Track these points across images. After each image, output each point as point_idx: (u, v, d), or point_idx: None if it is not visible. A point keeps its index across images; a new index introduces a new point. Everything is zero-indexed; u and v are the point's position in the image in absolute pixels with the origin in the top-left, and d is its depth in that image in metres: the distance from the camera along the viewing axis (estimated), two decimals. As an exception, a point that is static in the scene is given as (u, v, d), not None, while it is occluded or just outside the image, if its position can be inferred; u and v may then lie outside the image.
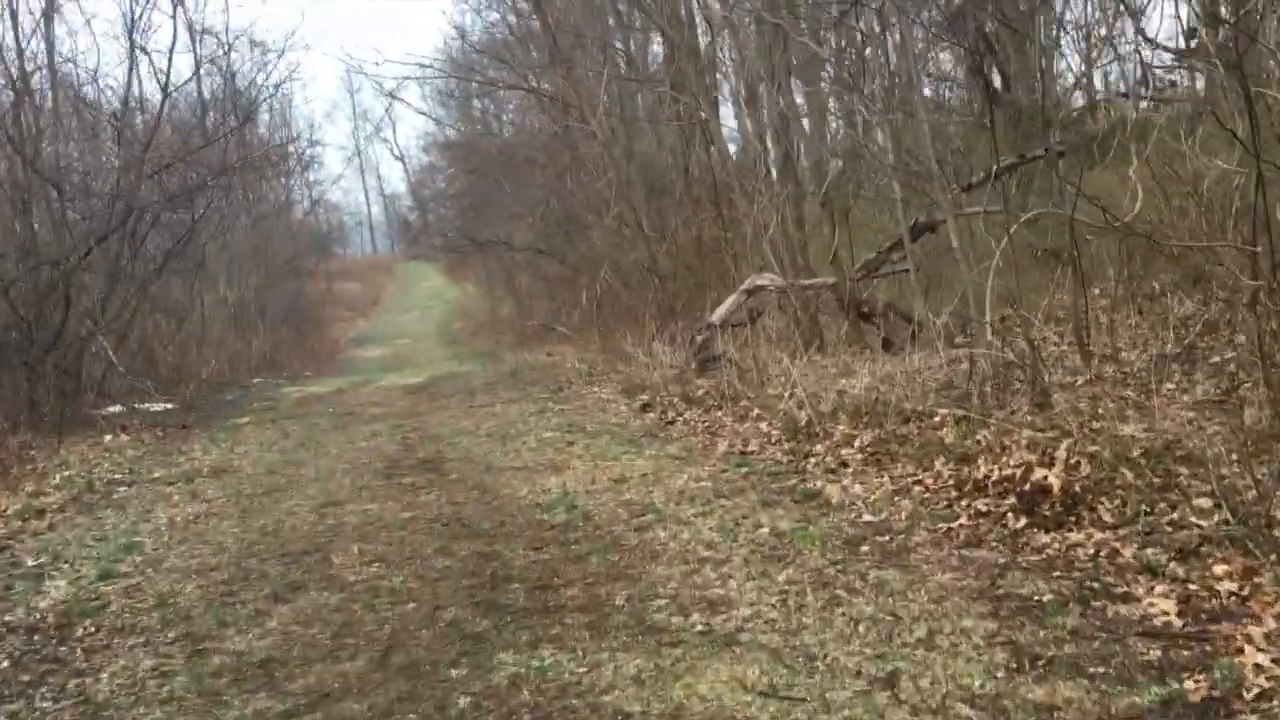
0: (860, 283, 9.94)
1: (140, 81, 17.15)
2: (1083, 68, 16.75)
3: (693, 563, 5.01)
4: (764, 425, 7.85)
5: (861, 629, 3.94)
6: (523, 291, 33.50)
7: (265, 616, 4.90)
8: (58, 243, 13.26)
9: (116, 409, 14.57)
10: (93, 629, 4.98)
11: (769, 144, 10.88)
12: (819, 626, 4.01)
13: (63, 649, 4.74)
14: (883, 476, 6.22)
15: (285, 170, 34.10)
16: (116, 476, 9.41)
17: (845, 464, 6.60)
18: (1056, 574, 4.29)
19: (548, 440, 8.80)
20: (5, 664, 4.61)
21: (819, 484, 6.32)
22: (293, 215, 39.84)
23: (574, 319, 22.04)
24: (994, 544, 4.77)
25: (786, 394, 8.37)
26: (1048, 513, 4.86)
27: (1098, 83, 16.75)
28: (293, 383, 20.13)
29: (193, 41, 21.22)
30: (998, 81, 15.28)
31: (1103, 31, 16.48)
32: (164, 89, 16.15)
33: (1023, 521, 4.88)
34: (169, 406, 15.56)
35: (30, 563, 6.49)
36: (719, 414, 8.62)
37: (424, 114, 37.57)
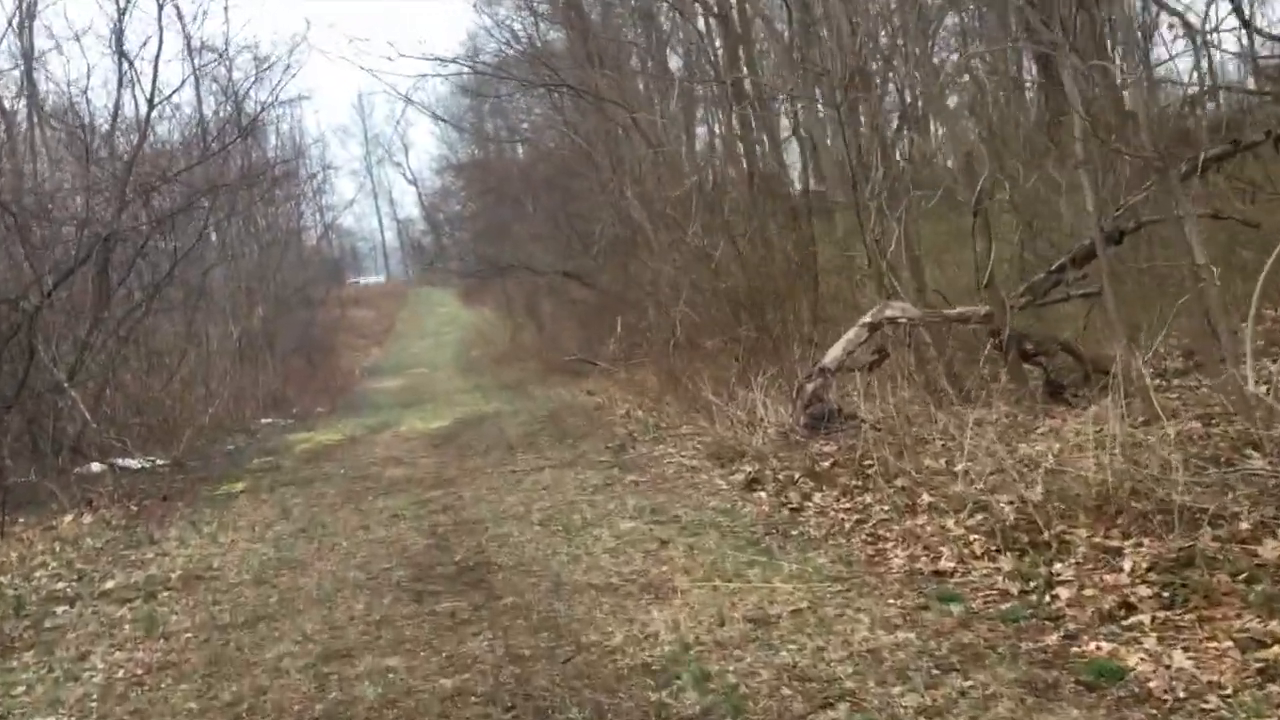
0: (1020, 313, 7.54)
1: (136, 102, 14.88)
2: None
3: None
4: (949, 522, 5.43)
5: None
6: (545, 318, 31.17)
7: None
8: (15, 279, 10.95)
9: (96, 468, 12.27)
10: None
11: (872, 143, 8.52)
12: None
13: None
14: (1215, 637, 3.81)
15: (295, 194, 31.88)
16: (59, 587, 7.02)
17: (1130, 606, 4.18)
18: None
19: (629, 535, 6.39)
20: None
21: (1101, 646, 3.92)
22: (305, 242, 37.64)
23: (610, 351, 19.68)
24: None
25: (960, 469, 5.97)
26: None
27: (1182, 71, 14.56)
28: (302, 426, 17.77)
29: (189, 53, 18.97)
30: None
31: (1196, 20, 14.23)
32: (149, 101, 13.86)
33: None
34: (156, 463, 13.26)
35: None
36: (866, 498, 6.20)
37: (440, 119, 35.24)
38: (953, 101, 12.24)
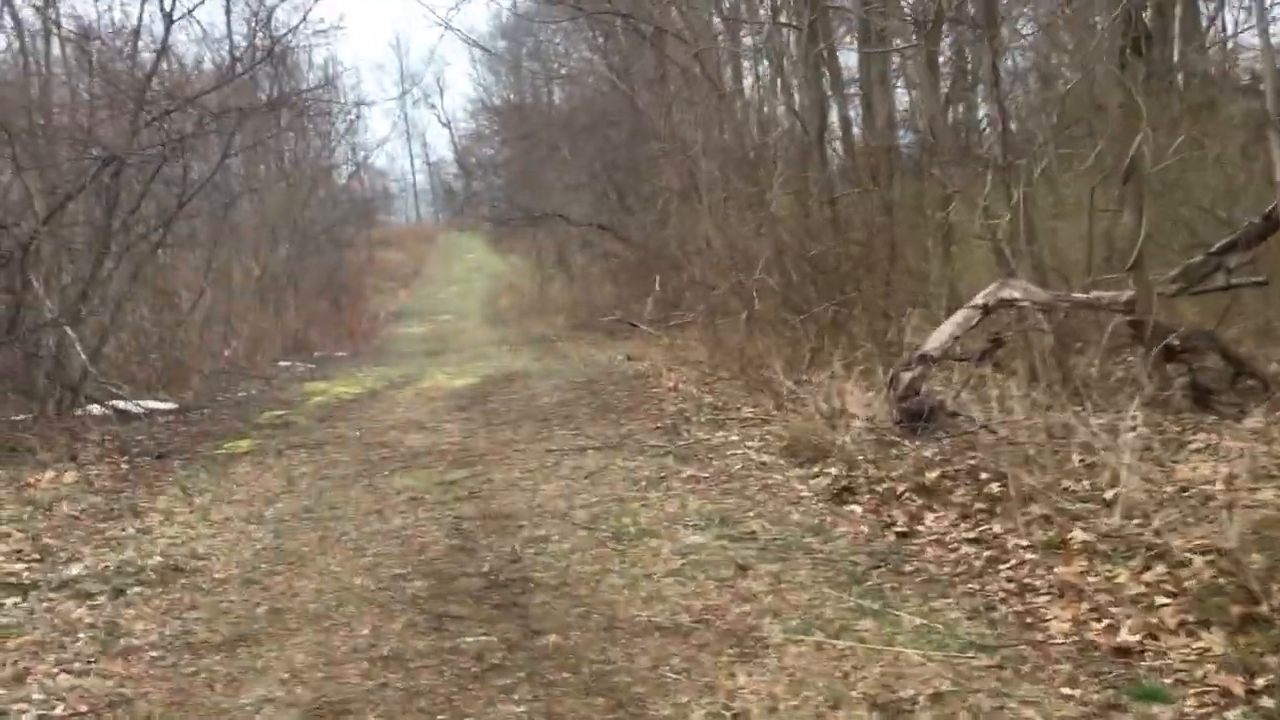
0: (1168, 301, 6.25)
1: (155, 19, 13.51)
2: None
3: None
4: (1120, 574, 4.19)
5: None
6: (576, 270, 29.89)
7: None
8: (5, 204, 9.76)
9: (97, 410, 11.20)
10: None
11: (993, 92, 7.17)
12: None
13: None
14: None
15: (325, 130, 30.51)
16: (15, 569, 5.88)
17: None
18: None
19: (697, 552, 5.18)
20: None
21: None
22: (335, 180, 36.30)
23: (648, 312, 18.42)
24: None
25: (1111, 495, 4.73)
26: None
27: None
28: (320, 374, 16.65)
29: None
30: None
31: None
32: (167, 15, 12.55)
33: None
34: (160, 408, 12.19)
35: None
36: (995, 527, 4.95)
37: (479, 45, 33.59)
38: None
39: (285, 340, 21.50)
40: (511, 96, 48.49)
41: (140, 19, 13.85)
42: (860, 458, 6.06)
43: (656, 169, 22.76)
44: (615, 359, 14.61)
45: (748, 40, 18.05)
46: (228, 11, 17.76)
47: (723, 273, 11.51)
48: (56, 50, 14.65)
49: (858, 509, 5.58)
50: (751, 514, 5.75)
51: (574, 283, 29.46)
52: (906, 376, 6.48)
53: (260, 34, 16.31)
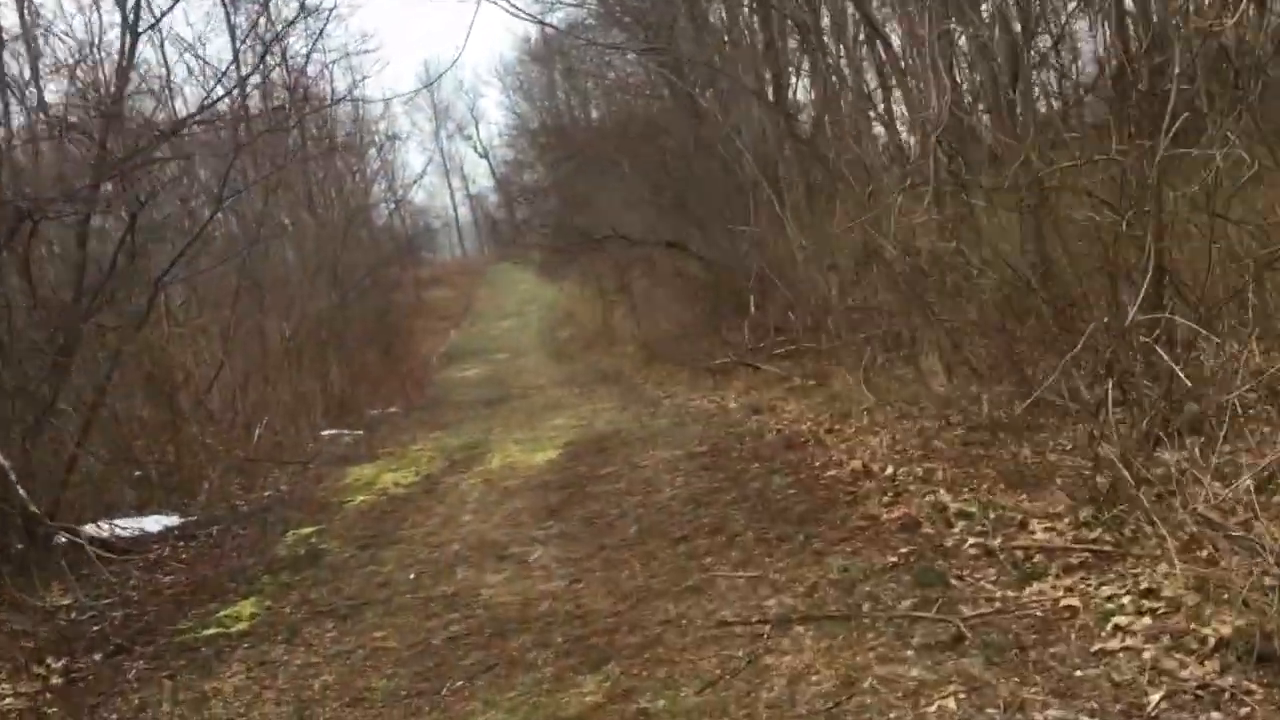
0: None
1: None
2: None
3: None
4: None
5: None
6: (640, 295, 26.57)
7: None
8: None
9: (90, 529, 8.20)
10: None
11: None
12: None
13: None
14: None
15: (359, 167, 27.56)
16: None
17: None
18: None
19: None
20: None
21: None
22: (374, 221, 33.26)
23: (745, 339, 15.05)
24: None
25: None
26: None
27: None
28: (368, 450, 13.47)
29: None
30: None
31: None
32: (130, 28, 9.44)
33: None
34: (156, 526, 9.16)
35: None
36: None
37: (542, 24, 30.72)
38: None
39: (329, 404, 18.42)
40: (548, 121, 45.51)
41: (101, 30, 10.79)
42: None
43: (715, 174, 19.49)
44: (729, 408, 11.22)
45: None
46: (232, 37, 14.59)
47: (894, 287, 8.10)
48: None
49: None
50: None
51: (638, 309, 26.19)
52: None
53: (267, 60, 13.21)
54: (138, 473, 9.63)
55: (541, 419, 14.07)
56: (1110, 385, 4.67)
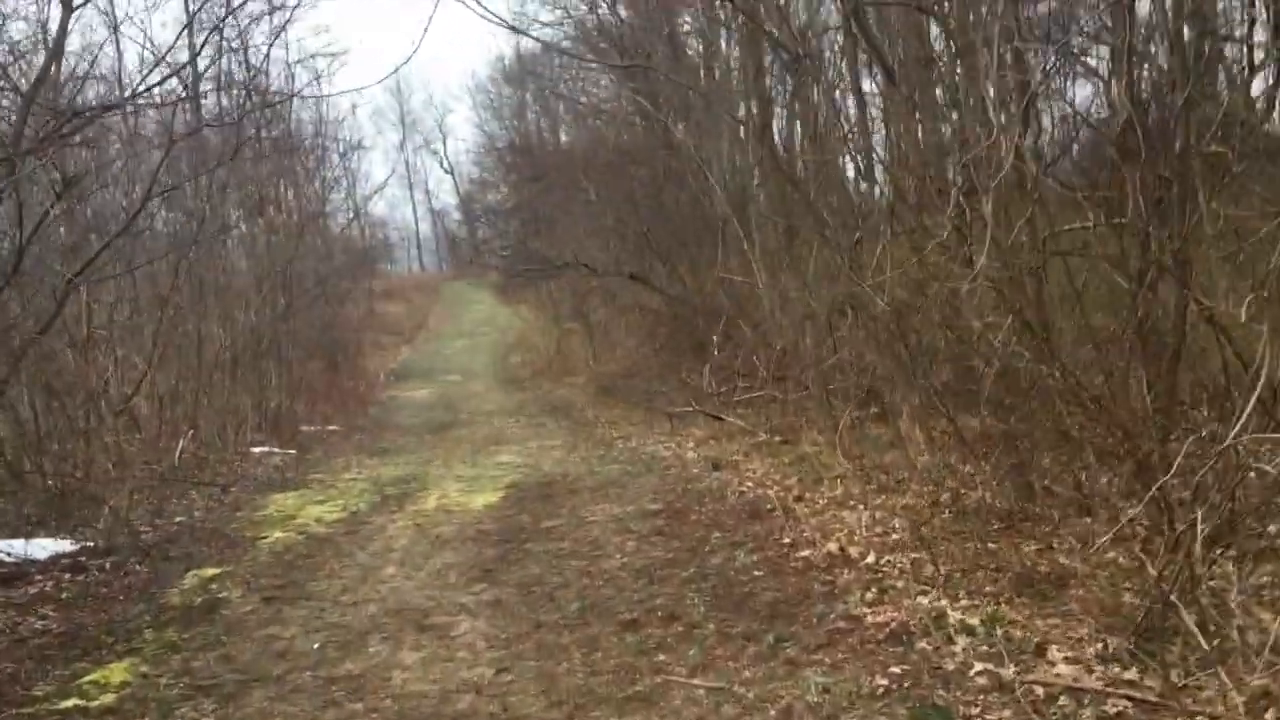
0: None
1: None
2: None
3: None
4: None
5: None
6: (597, 325, 25.76)
7: None
8: None
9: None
10: None
11: None
12: None
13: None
14: None
15: (321, 174, 26.45)
16: None
17: None
18: None
19: None
20: None
21: None
22: (329, 229, 32.03)
23: (704, 383, 14.25)
24: None
25: None
26: None
27: None
28: (296, 474, 12.46)
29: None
30: None
31: None
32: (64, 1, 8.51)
33: None
34: (45, 553, 8.17)
35: None
36: None
37: (522, 33, 29.98)
38: None
39: (263, 418, 17.30)
40: (516, 141, 44.71)
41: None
42: None
43: (683, 206, 18.79)
44: (686, 458, 10.40)
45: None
46: (189, 28, 13.56)
47: (876, 337, 7.38)
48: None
49: None
50: None
51: (594, 339, 25.37)
52: None
53: (219, 45, 12.27)
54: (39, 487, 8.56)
55: (486, 453, 13.16)
56: (1150, 490, 3.93)
